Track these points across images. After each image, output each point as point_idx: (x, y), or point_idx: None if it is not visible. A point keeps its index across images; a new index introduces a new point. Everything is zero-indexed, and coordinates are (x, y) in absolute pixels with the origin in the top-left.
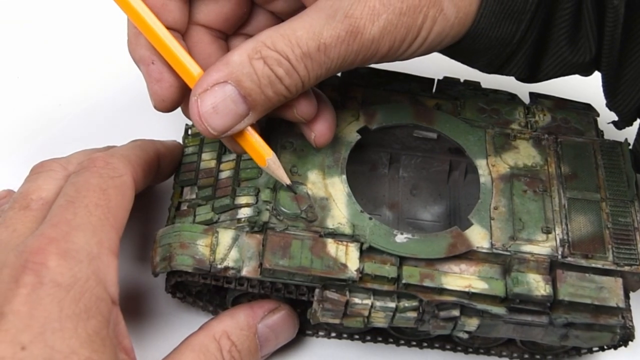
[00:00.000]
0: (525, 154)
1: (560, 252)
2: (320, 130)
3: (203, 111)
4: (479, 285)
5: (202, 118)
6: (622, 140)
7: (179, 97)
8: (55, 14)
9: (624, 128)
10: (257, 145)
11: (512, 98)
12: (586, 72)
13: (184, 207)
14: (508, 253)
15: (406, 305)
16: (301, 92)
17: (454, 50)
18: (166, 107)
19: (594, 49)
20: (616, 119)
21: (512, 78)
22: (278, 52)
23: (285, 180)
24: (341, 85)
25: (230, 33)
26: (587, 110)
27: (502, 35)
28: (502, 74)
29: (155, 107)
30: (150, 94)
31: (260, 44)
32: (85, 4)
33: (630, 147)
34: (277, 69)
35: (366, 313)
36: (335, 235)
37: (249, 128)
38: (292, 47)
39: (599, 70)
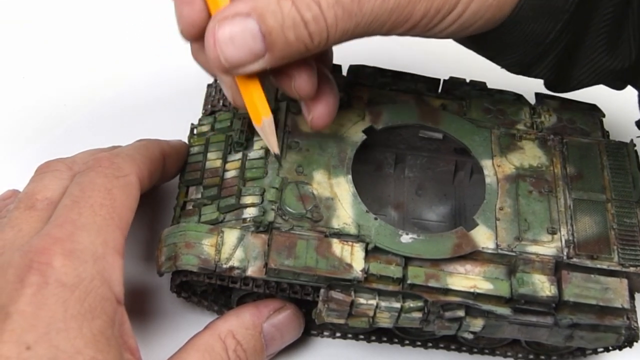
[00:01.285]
0: (530, 155)
1: (565, 253)
2: (318, 113)
3: (219, 38)
4: (484, 286)
5: (216, 44)
6: (628, 140)
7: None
8: (60, 14)
9: None
10: (258, 101)
11: (518, 98)
12: (619, 83)
13: (189, 206)
14: (513, 254)
15: (411, 305)
16: (323, 48)
17: (484, 40)
18: (194, 33)
19: (634, 55)
20: None
21: (519, 78)
22: None
23: (275, 148)
24: (347, 85)
25: None
26: (592, 111)
27: (537, 32)
28: (529, 75)
29: (182, 33)
30: (177, 18)
31: None
32: (90, 3)
33: None
34: (305, 12)
35: (371, 313)
36: (341, 235)
37: (256, 81)
38: None
39: (634, 84)
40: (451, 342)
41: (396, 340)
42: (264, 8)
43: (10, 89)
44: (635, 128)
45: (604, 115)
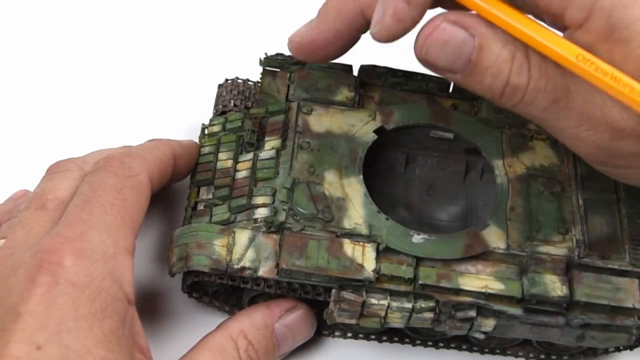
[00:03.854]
0: (541, 155)
1: (577, 253)
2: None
3: (436, 35)
4: (496, 286)
5: (429, 38)
6: None
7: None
8: (71, 12)
9: None
10: None
11: None
12: None
13: (200, 207)
14: (525, 254)
15: (423, 305)
16: (502, 107)
17: None
18: (401, 31)
19: None
20: None
21: None
22: (530, 65)
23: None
24: (358, 84)
25: None
26: None
27: None
28: None
29: (385, 29)
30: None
31: (523, 45)
32: (104, 3)
33: None
34: (514, 75)
35: (383, 313)
36: (352, 235)
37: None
38: (541, 74)
39: None
40: (462, 342)
41: (407, 340)
42: (489, 41)
43: (21, 89)
44: None
45: None
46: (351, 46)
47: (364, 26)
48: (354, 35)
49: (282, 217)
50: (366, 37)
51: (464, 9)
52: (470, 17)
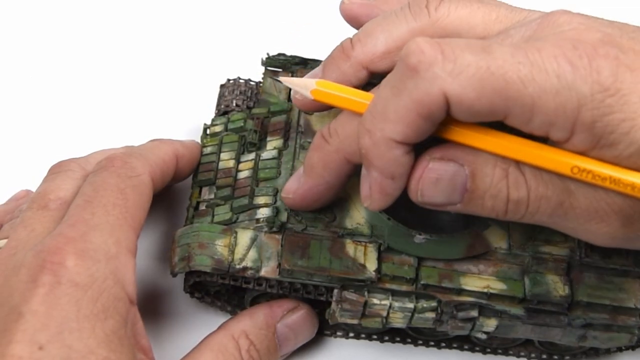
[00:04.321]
0: None
1: (578, 253)
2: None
3: (426, 176)
4: (498, 286)
5: (421, 180)
6: None
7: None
8: (73, 13)
9: None
10: None
11: None
12: None
13: (202, 207)
14: (526, 254)
15: (424, 305)
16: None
17: None
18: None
19: None
20: None
21: None
22: (525, 178)
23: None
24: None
25: None
26: None
27: None
28: None
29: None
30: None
31: (514, 167)
32: (106, 3)
33: None
34: (513, 191)
35: (384, 313)
36: (354, 235)
37: None
38: (538, 183)
39: None
40: (464, 342)
41: (409, 340)
42: (479, 167)
43: (23, 89)
44: None
45: None
46: (342, 189)
47: (353, 170)
48: (344, 181)
49: (284, 217)
50: None
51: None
52: (454, 147)
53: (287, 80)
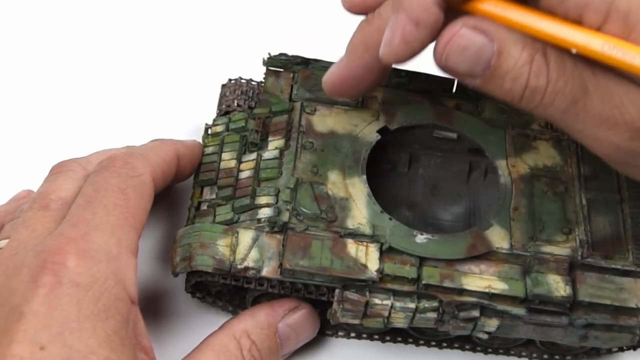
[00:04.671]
0: (545, 155)
1: (580, 253)
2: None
3: (455, 41)
4: (499, 286)
5: (448, 44)
6: None
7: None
8: (74, 13)
9: None
10: None
11: None
12: None
13: (203, 207)
14: (528, 254)
15: (426, 305)
16: (520, 109)
17: None
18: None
19: None
20: None
21: None
22: (548, 68)
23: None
24: None
25: None
26: None
27: None
28: None
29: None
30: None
31: (542, 47)
32: (107, 3)
33: None
34: (533, 78)
35: (386, 313)
36: (355, 235)
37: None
38: (559, 76)
39: None
40: (466, 342)
41: (411, 340)
42: (508, 46)
43: (24, 89)
44: None
45: None
46: (382, 78)
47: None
48: (383, 65)
49: (285, 217)
50: None
51: None
52: (488, 21)
53: None
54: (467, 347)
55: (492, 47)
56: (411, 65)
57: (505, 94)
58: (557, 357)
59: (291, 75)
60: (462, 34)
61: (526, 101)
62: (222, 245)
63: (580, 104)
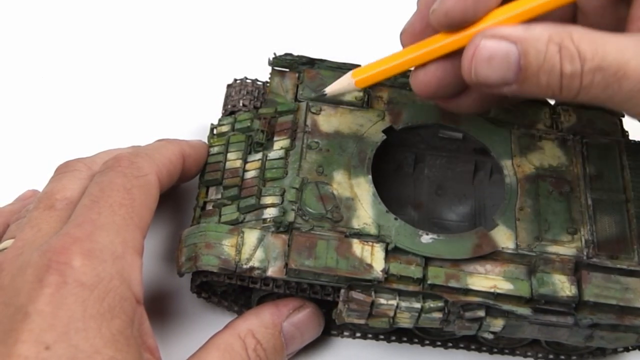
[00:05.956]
0: (550, 155)
1: (585, 253)
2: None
3: (479, 53)
4: (504, 286)
5: (474, 58)
6: None
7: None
8: (80, 13)
9: None
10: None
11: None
12: None
13: (209, 207)
14: (533, 254)
15: (431, 305)
16: (565, 101)
17: None
18: (444, 23)
19: None
20: None
21: None
22: (579, 50)
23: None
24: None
25: None
26: (612, 111)
27: None
28: None
29: (436, 14)
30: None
31: (566, 33)
32: (113, 3)
33: None
34: (566, 65)
35: (391, 313)
36: (361, 235)
37: None
38: (593, 54)
39: None
40: (471, 342)
41: (416, 340)
42: (531, 42)
43: (30, 89)
44: None
45: (623, 115)
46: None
47: None
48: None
49: (291, 217)
50: (376, 38)
51: None
52: (503, 27)
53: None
54: (473, 347)
55: (517, 49)
56: None
57: (545, 89)
58: (562, 357)
59: (297, 75)
60: (484, 45)
61: (567, 90)
62: (228, 245)
63: (620, 73)
